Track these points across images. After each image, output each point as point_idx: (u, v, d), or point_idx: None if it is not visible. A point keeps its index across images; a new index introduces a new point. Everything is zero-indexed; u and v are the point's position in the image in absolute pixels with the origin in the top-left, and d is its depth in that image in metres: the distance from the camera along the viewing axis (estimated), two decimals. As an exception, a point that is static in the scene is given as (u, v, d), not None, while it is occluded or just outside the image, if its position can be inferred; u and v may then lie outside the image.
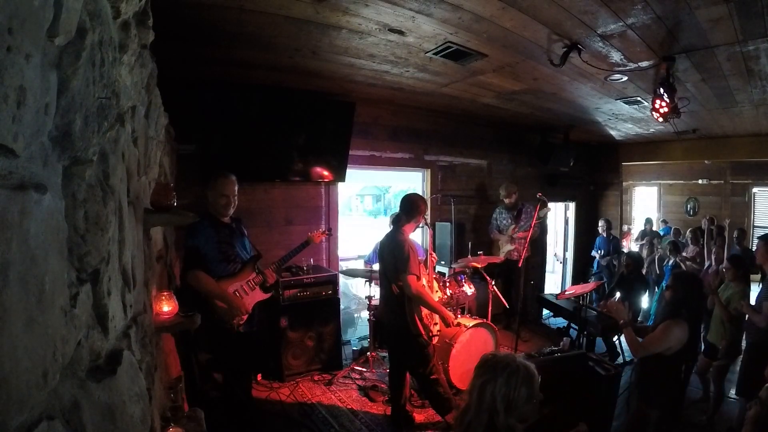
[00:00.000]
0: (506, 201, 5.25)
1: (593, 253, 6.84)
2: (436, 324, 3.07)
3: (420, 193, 5.41)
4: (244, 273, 2.72)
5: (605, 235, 6.74)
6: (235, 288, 2.67)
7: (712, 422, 3.37)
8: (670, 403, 2.41)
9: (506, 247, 5.17)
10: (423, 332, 2.91)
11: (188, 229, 2.58)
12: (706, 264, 5.03)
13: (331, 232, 3.92)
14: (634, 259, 5.01)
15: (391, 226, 3.14)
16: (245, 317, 2.68)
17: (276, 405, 3.35)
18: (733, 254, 4.20)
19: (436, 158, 5.37)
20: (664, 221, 8.35)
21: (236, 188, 2.73)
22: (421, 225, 3.12)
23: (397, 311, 2.89)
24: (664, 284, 5.34)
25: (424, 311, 2.93)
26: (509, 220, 5.23)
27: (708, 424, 3.36)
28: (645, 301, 5.41)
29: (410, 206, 3.00)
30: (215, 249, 2.60)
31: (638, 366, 2.61)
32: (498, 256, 5.07)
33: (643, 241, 7.12)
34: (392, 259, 2.88)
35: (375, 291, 4.06)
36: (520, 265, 4.55)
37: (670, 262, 5.46)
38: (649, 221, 8.07)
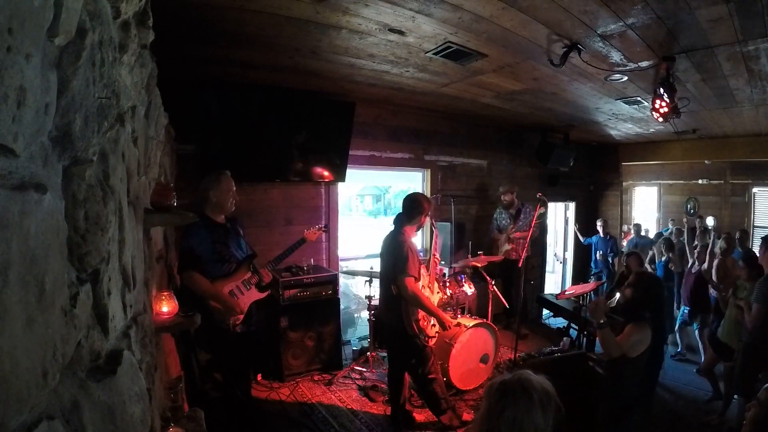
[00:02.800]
0: (504, 199, 5.25)
1: (592, 246, 6.86)
2: (434, 326, 3.06)
3: (422, 193, 5.43)
4: (239, 273, 2.72)
5: (602, 235, 6.74)
6: (230, 288, 2.66)
7: (723, 420, 3.38)
8: (631, 402, 2.40)
9: (504, 247, 5.17)
10: (419, 333, 2.90)
11: (183, 230, 2.59)
12: (690, 262, 4.96)
13: (328, 228, 3.90)
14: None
15: (393, 226, 3.13)
16: (241, 317, 2.68)
17: (276, 405, 3.35)
18: (748, 254, 4.17)
19: (436, 158, 5.37)
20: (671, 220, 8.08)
21: None
22: (424, 225, 3.09)
23: (395, 312, 2.89)
24: None
25: (421, 313, 2.93)
26: (508, 220, 5.24)
27: (719, 423, 3.37)
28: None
29: (411, 206, 2.95)
30: (209, 250, 2.60)
31: (606, 371, 2.58)
32: (498, 256, 5.07)
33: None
34: (391, 259, 2.88)
35: (375, 291, 4.06)
36: (520, 265, 4.55)
37: (663, 258, 5.44)
38: (675, 226, 6.94)
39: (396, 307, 2.88)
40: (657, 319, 2.44)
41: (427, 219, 3.05)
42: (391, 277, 2.87)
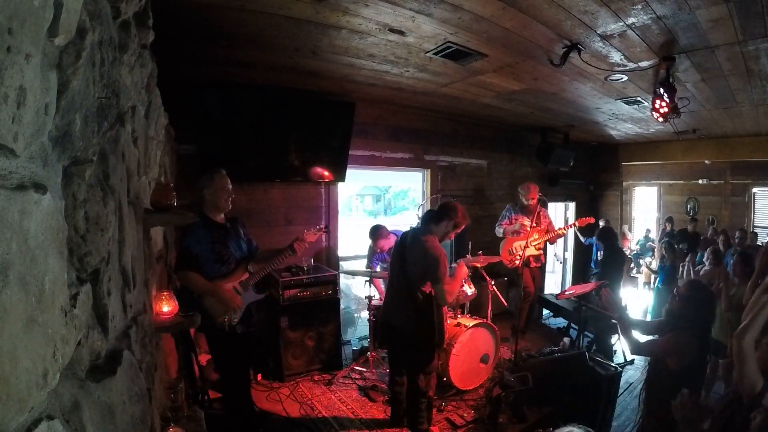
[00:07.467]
0: (528, 203, 4.81)
1: (593, 246, 6.86)
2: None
3: (421, 193, 5.42)
4: (237, 273, 2.71)
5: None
6: (228, 288, 2.66)
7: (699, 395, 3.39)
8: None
9: (530, 251, 4.65)
10: (444, 339, 2.85)
11: (183, 230, 2.58)
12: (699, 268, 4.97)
13: (328, 230, 3.87)
14: (604, 229, 5.03)
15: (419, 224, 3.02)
16: (237, 316, 2.67)
17: (276, 405, 3.35)
18: (743, 252, 4.14)
19: (436, 158, 5.37)
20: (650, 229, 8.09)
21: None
22: (451, 238, 2.94)
23: (417, 318, 2.79)
24: (659, 285, 5.33)
25: None
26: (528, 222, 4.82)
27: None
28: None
29: (441, 208, 2.88)
30: (208, 250, 2.59)
31: (646, 383, 2.42)
32: (496, 256, 5.03)
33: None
34: (421, 265, 2.74)
35: (375, 291, 4.06)
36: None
37: (666, 263, 5.42)
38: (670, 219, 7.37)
39: (416, 314, 2.78)
40: (705, 329, 2.19)
41: (453, 234, 2.90)
42: (419, 281, 2.76)
